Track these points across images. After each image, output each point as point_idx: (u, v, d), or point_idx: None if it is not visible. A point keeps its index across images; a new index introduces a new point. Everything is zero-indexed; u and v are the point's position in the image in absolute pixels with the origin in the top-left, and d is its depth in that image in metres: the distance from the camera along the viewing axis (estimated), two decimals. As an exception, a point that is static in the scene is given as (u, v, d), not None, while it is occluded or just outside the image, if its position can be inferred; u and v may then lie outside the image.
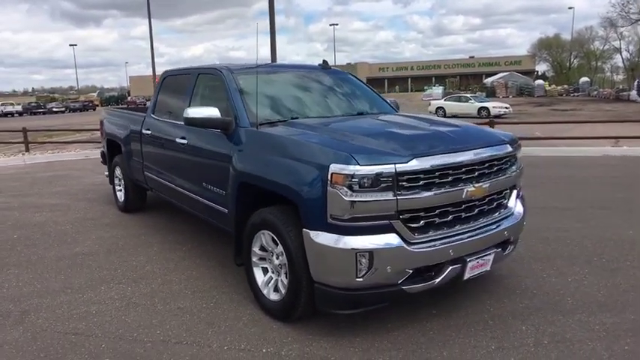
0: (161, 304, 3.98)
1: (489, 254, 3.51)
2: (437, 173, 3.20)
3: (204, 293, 4.16)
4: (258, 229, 3.67)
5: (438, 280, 3.28)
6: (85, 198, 7.97)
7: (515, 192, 3.90)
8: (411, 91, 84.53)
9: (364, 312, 3.43)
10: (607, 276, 4.32)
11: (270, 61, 13.38)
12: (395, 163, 3.05)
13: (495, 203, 3.68)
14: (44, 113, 54.03)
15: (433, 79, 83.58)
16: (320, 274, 3.20)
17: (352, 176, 2.99)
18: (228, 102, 4.25)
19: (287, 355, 3.18)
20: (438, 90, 55.28)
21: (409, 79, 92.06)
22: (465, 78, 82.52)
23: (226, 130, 4.08)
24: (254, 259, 3.79)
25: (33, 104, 60.44)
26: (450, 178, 3.27)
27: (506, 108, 28.77)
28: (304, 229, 3.20)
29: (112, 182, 7.22)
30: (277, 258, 3.56)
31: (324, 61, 5.29)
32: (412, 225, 3.18)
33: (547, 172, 9.40)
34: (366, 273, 3.06)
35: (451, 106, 30.04)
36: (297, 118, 4.17)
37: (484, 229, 3.50)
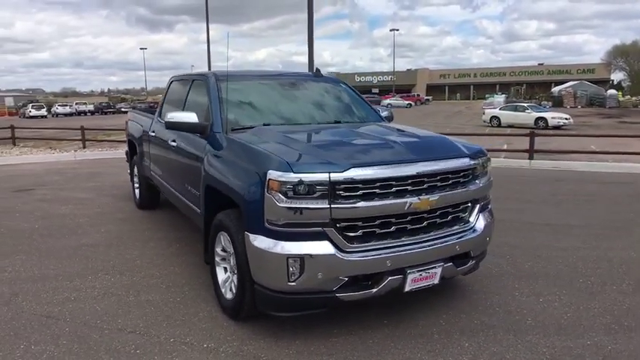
0: (134, 295, 4.26)
1: (435, 268, 3.49)
2: (377, 184, 3.24)
3: (177, 288, 4.39)
4: (218, 231, 3.85)
5: (375, 290, 3.31)
6: (110, 194, 8.53)
7: (477, 206, 3.83)
8: (473, 98, 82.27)
9: (316, 315, 3.55)
10: (584, 299, 4.13)
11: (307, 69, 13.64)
12: (330, 172, 3.12)
13: (450, 217, 3.65)
14: (114, 113, 57.65)
15: (497, 86, 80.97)
16: (258, 276, 3.32)
17: (287, 183, 3.10)
18: (208, 107, 4.48)
19: (224, 352, 3.33)
20: (499, 98, 53.38)
21: (471, 87, 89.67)
22: (532, 86, 79.18)
23: (203, 134, 4.31)
24: (217, 259, 3.98)
25: (104, 104, 64.63)
26: (393, 189, 3.29)
27: (566, 119, 27.33)
28: (245, 232, 3.35)
29: (132, 180, 7.70)
30: (233, 259, 3.72)
31: (317, 69, 5.43)
32: (349, 234, 3.23)
33: (577, 188, 8.97)
34: (297, 278, 3.15)
35: (506, 115, 28.97)
36: (269, 124, 4.32)
37: (430, 242, 3.48)
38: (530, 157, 12.40)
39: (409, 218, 3.40)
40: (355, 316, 3.78)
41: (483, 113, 31.09)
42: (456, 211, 3.69)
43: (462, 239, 3.64)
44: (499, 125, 28.12)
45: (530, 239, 5.81)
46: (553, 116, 27.81)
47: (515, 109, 29.98)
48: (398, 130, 4.28)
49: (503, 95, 57.87)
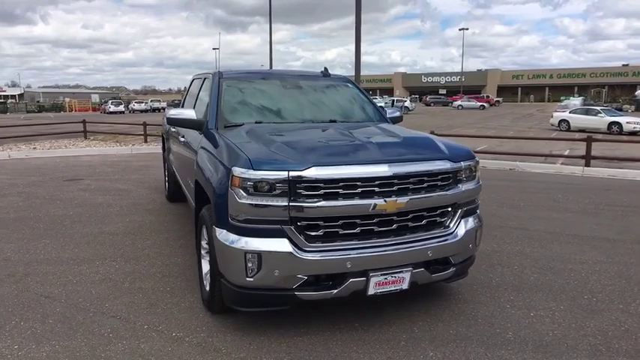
0: (129, 282, 4.49)
1: (403, 272, 3.39)
2: (340, 184, 3.20)
3: (172, 278, 4.58)
4: (201, 224, 3.97)
5: (336, 291, 3.28)
6: (149, 186, 9.00)
7: (459, 211, 3.68)
8: (548, 101, 78.04)
9: (291, 313, 3.60)
10: (580, 316, 3.84)
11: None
12: (289, 171, 3.13)
13: (425, 221, 3.53)
14: (185, 109, 60.42)
15: (575, 88, 76.27)
16: (222, 269, 3.40)
17: (247, 180, 3.15)
18: (208, 104, 4.63)
19: (188, 342, 3.43)
20: (576, 101, 50.11)
21: (546, 89, 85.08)
22: (614, 89, 73.89)
23: (200, 130, 4.45)
24: (202, 252, 4.10)
25: (176, 102, 67.88)
26: (358, 190, 3.24)
27: (645, 124, 25.22)
28: (213, 226, 3.43)
29: (164, 173, 8.08)
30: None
31: (325, 69, 5.42)
32: (311, 233, 3.23)
33: (625, 199, 8.29)
34: (255, 274, 3.20)
35: (576, 119, 27.22)
36: (261, 122, 4.38)
37: (398, 245, 3.38)
38: (587, 164, 11.61)
39: (376, 220, 3.33)
40: (331, 316, 3.76)
41: (551, 116, 29.43)
42: (433, 215, 3.56)
43: (437, 245, 3.51)
44: (568, 129, 26.48)
45: (548, 250, 5.47)
46: (629, 121, 25.73)
47: (587, 112, 28.08)
48: (387, 131, 4.19)
49: (581, 98, 54.31)
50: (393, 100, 49.42)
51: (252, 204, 3.15)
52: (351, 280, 3.28)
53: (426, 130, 7.21)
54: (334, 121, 4.61)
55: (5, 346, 3.34)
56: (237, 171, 3.19)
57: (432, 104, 71.12)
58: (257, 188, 3.15)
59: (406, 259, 3.40)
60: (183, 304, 4.03)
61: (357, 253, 3.27)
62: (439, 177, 3.52)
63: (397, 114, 5.27)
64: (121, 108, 55.36)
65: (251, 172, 3.15)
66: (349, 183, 3.22)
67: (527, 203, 7.89)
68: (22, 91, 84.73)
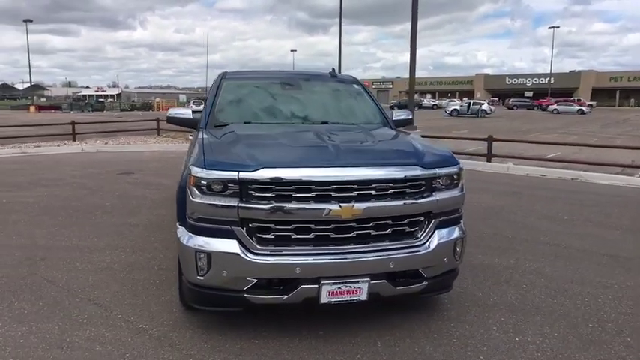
0: (126, 272, 4.70)
1: (359, 283, 3.23)
2: (293, 187, 3.12)
3: (166, 272, 4.72)
4: None
5: (286, 296, 3.20)
6: (189, 182, 9.36)
7: (434, 221, 3.44)
8: (651, 105, 71.08)
9: (261, 314, 3.63)
10: (574, 346, 3.45)
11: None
12: (239, 172, 3.11)
13: (391, 230, 3.34)
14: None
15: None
16: (181, 266, 3.45)
17: (201, 179, 3.17)
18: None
19: (150, 334, 3.52)
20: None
21: (650, 92, 77.48)
22: None
23: (195, 129, 4.56)
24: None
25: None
26: (312, 194, 3.14)
27: None
28: (177, 223, 3.49)
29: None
30: None
31: (332, 69, 5.32)
32: (262, 235, 3.18)
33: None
34: (205, 273, 3.21)
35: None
36: (249, 122, 4.39)
37: (354, 254, 3.23)
38: (665, 177, 10.41)
39: (332, 226, 3.21)
40: (300, 322, 3.67)
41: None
42: (400, 224, 3.36)
43: (402, 256, 3.31)
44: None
45: (571, 270, 4.97)
46: None
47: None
48: (371, 134, 4.00)
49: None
50: (469, 103, 47.46)
51: (204, 203, 3.17)
52: (302, 286, 3.18)
53: (497, 134, 6.83)
54: (326, 123, 4.51)
55: (-10, 323, 3.63)
56: (194, 170, 3.22)
57: (515, 107, 67.24)
58: (210, 188, 3.16)
59: (362, 269, 3.24)
60: (164, 298, 4.14)
61: (308, 260, 3.17)
62: (407, 184, 3.31)
63: (403, 117, 5.04)
64: (202, 108, 58.23)
65: (204, 172, 3.17)
66: (302, 186, 3.13)
67: (572, 217, 7.23)
68: (120, 91, 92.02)
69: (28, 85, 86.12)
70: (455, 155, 3.78)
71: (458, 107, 47.77)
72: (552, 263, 5.16)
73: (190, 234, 3.28)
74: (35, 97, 77.81)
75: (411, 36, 13.46)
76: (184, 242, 3.28)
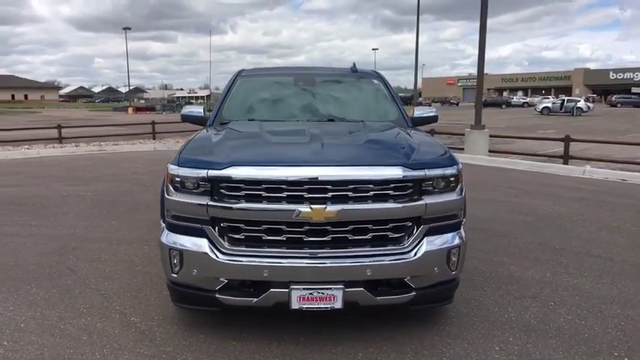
0: (142, 266, 4.84)
1: (333, 290, 3.03)
2: (263, 185, 3.00)
3: (179, 267, 4.80)
4: None
5: (256, 299, 3.09)
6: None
7: (423, 227, 3.15)
8: None
9: (256, 317, 3.58)
10: (583, 377, 2.98)
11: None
12: (208, 169, 3.04)
13: (371, 234, 3.10)
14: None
15: None
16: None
17: (176, 176, 3.16)
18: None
19: (137, 328, 3.57)
20: None
21: None
22: None
23: (204, 126, 4.58)
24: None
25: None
26: (283, 194, 3.00)
27: None
28: (160, 220, 3.51)
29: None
30: None
31: (354, 64, 5.10)
32: (233, 235, 3.09)
33: None
34: (179, 270, 3.19)
35: None
36: (252, 120, 4.32)
37: (328, 259, 3.03)
38: None
39: (305, 229, 3.04)
40: (288, 326, 3.53)
41: None
42: (383, 229, 3.10)
43: (381, 263, 3.06)
44: None
45: (616, 290, 4.34)
46: None
47: None
48: (368, 132, 3.76)
49: None
50: (564, 100, 44.01)
51: (178, 201, 3.15)
52: (271, 290, 3.05)
53: (589, 134, 6.27)
54: (332, 120, 4.32)
55: (4, 307, 3.90)
56: (169, 167, 3.22)
57: (619, 105, 61.10)
58: (184, 185, 3.13)
59: (335, 275, 3.03)
60: (166, 292, 4.16)
61: (277, 262, 3.02)
62: (391, 186, 3.05)
63: (425, 115, 4.66)
64: None
65: (178, 169, 3.15)
66: (272, 185, 2.99)
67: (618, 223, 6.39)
68: (210, 93, 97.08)
69: (130, 88, 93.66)
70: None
71: (550, 105, 44.52)
72: (596, 280, 4.55)
73: (167, 231, 3.28)
74: (135, 100, 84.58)
75: (479, 32, 12.71)
76: (161, 239, 3.29)
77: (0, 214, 6.85)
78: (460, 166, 3.30)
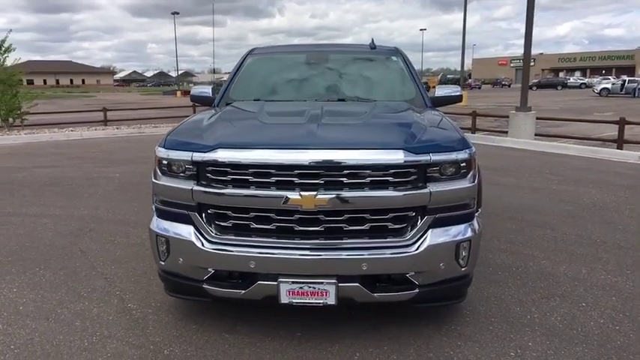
0: (137, 247, 4.77)
1: (324, 285, 2.77)
2: (250, 170, 2.77)
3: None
4: None
5: (244, 291, 2.88)
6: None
7: (427, 218, 2.83)
8: None
9: (246, 306, 3.40)
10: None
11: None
12: (193, 152, 2.85)
13: (368, 224, 2.81)
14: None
15: None
16: (154, 250, 3.31)
17: (162, 159, 2.99)
18: None
19: (131, 315, 3.47)
20: None
21: None
22: None
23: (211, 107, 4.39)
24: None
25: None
26: (272, 179, 2.76)
27: None
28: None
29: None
30: None
31: (372, 40, 4.74)
32: (220, 223, 2.89)
33: None
34: (166, 258, 3.03)
35: None
36: (258, 100, 4.07)
37: (319, 252, 2.77)
38: None
39: (296, 217, 2.79)
40: (286, 320, 3.32)
41: None
42: (382, 219, 2.81)
43: (379, 257, 2.77)
44: None
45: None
46: None
47: None
48: (377, 112, 3.44)
49: None
50: (625, 81, 41.17)
51: (164, 185, 2.99)
52: (259, 282, 2.83)
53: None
54: (342, 100, 4.01)
55: (8, 288, 3.90)
56: (156, 150, 3.05)
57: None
58: (170, 169, 2.96)
59: (326, 268, 2.77)
60: (155, 280, 4.07)
61: (265, 253, 2.80)
62: (390, 172, 2.74)
63: (445, 94, 4.27)
64: None
65: (163, 151, 2.98)
66: (260, 170, 2.75)
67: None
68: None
69: (179, 72, 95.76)
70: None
71: (609, 86, 41.80)
72: (639, 279, 4.06)
73: (155, 217, 3.12)
74: (185, 83, 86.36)
75: (527, 6, 11.86)
76: (150, 225, 3.13)
77: (30, 196, 7.00)
78: (473, 150, 2.94)
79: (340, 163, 2.71)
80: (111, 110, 17.97)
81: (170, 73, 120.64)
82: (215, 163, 2.80)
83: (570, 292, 3.81)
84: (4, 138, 13.75)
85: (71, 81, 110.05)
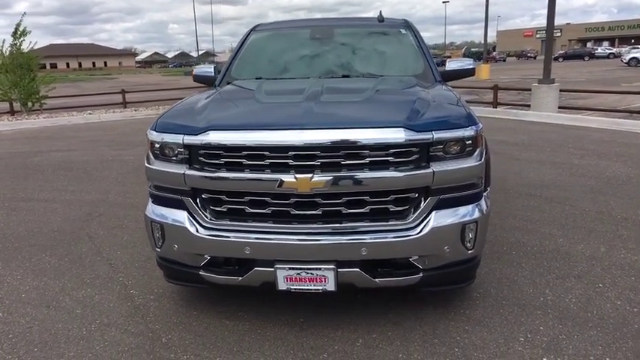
0: (143, 232, 4.36)
1: (322, 270, 2.66)
2: (244, 152, 2.65)
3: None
4: None
5: (241, 278, 2.80)
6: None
7: (431, 199, 2.67)
8: None
9: (262, 296, 3.30)
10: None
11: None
12: (184, 134, 2.74)
13: (368, 208, 2.67)
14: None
15: None
16: (150, 236, 3.24)
17: (154, 142, 2.90)
18: None
19: (134, 302, 3.42)
20: None
21: None
22: None
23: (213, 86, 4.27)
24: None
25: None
26: (266, 161, 2.63)
27: None
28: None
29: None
30: None
31: (380, 13, 4.52)
32: (214, 208, 2.79)
33: None
34: (162, 245, 2.95)
35: None
36: (260, 78, 3.92)
37: (318, 236, 2.65)
38: None
39: (292, 201, 2.66)
40: (290, 305, 3.23)
41: None
42: (383, 201, 2.66)
43: (380, 241, 2.64)
44: None
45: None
46: None
47: None
48: (381, 88, 3.26)
49: None
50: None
51: (157, 169, 2.89)
52: (256, 268, 2.74)
53: None
54: (347, 76, 3.83)
55: (13, 275, 3.91)
56: (148, 132, 2.95)
57: None
58: (163, 152, 2.86)
59: (324, 254, 2.66)
60: (157, 270, 4.03)
61: (261, 238, 2.69)
62: (390, 151, 2.59)
63: (457, 67, 4.06)
64: None
65: (155, 134, 2.88)
66: (253, 152, 2.63)
67: None
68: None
69: (200, 52, 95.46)
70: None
71: (638, 55, 40.09)
72: (663, 259, 3.84)
73: (150, 203, 3.04)
74: (207, 63, 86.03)
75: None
76: (145, 211, 3.06)
77: (43, 180, 7.05)
78: (480, 126, 2.75)
79: (337, 143, 2.56)
80: (129, 92, 17.99)
81: (191, 54, 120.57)
82: (207, 146, 2.69)
83: (587, 272, 3.63)
84: (22, 122, 13.94)
85: (93, 64, 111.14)
